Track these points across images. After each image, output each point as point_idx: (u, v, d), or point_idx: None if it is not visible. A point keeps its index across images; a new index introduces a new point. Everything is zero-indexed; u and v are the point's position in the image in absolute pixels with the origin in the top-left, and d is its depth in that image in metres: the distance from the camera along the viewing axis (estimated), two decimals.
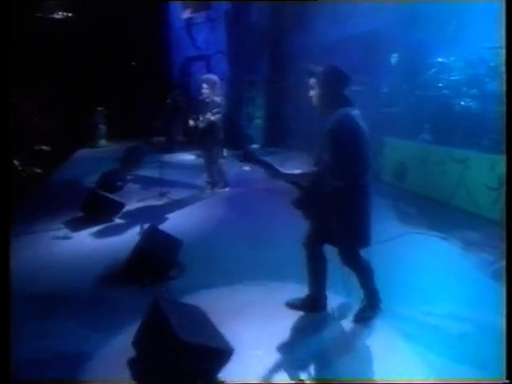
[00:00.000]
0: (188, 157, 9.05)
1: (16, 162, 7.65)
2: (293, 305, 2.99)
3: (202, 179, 6.39)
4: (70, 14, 11.79)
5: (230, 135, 9.30)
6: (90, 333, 2.75)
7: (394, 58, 6.76)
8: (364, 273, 2.79)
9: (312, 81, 2.69)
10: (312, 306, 2.96)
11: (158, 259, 3.35)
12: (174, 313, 2.22)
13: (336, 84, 2.61)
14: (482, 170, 4.93)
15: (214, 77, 5.71)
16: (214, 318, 2.61)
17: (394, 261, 3.74)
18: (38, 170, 8.22)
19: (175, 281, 3.41)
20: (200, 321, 2.36)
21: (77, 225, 4.72)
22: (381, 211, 5.19)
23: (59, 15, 11.77)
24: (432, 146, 5.79)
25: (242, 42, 9.97)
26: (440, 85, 5.74)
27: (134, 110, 10.90)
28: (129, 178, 6.71)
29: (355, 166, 2.53)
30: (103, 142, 10.97)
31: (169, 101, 5.80)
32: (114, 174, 6.25)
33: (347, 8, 7.55)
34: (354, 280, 2.87)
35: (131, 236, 4.31)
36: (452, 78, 5.61)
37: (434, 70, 5.88)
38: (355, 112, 2.59)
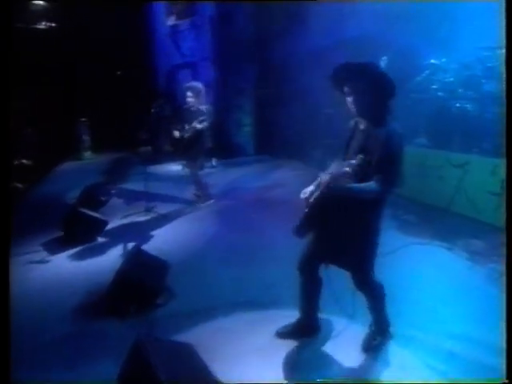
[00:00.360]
0: (175, 167, 8.73)
1: None
2: (285, 334, 2.71)
3: (190, 191, 6.08)
4: (53, 24, 11.45)
5: (218, 144, 9.05)
6: (66, 375, 2.43)
7: (384, 61, 6.57)
8: (376, 296, 2.52)
9: (354, 85, 2.19)
10: (306, 330, 2.72)
11: (143, 285, 3.04)
12: (160, 356, 1.92)
13: (391, 87, 2.19)
14: (482, 175, 4.74)
15: (198, 84, 5.44)
16: (207, 354, 2.32)
17: (397, 276, 3.48)
18: (19, 185, 7.86)
19: (163, 308, 3.11)
20: (190, 363, 2.07)
21: (55, 246, 4.36)
22: None
23: (42, 25, 11.41)
24: (428, 150, 5.60)
25: (229, 48, 9.73)
26: (434, 87, 5.56)
27: (119, 120, 10.57)
28: (113, 192, 6.37)
29: (397, 181, 2.24)
30: (88, 154, 10.58)
31: (153, 110, 5.49)
32: (96, 188, 5.91)
33: (337, 12, 7.37)
34: (358, 301, 2.62)
35: (115, 258, 3.99)
36: (447, 79, 5.43)
37: (427, 72, 5.71)
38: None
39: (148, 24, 11.86)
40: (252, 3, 9.33)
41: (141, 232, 4.72)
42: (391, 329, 2.66)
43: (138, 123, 8.86)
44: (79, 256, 4.17)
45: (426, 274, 3.61)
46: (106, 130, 10.20)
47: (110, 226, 4.86)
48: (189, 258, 4.02)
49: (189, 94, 5.21)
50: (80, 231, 4.49)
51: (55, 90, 10.32)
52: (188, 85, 5.40)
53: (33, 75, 9.83)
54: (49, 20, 11.21)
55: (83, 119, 10.41)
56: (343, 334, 2.76)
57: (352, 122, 2.46)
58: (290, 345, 2.67)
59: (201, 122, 5.11)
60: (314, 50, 7.59)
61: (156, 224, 5.04)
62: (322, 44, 7.61)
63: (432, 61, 5.74)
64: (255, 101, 9.90)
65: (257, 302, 3.19)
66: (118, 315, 2.96)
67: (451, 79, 5.39)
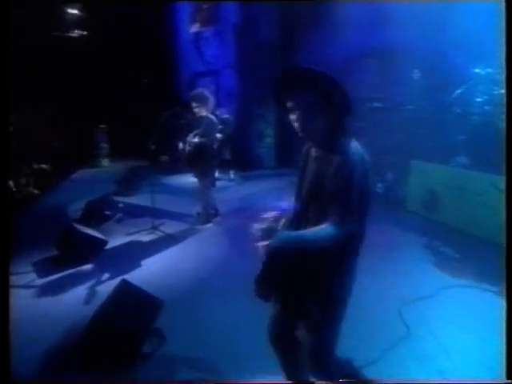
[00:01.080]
0: (193, 179, 8.32)
1: (11, 183, 7.13)
2: None
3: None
4: (75, 31, 11.40)
5: (238, 155, 8.59)
6: None
7: (421, 71, 5.94)
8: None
9: (300, 98, 1.66)
10: None
11: (127, 330, 2.54)
12: None
13: (347, 100, 1.67)
14: None
15: (203, 91, 4.94)
16: None
17: (434, 327, 2.87)
18: (36, 191, 7.68)
19: (151, 358, 2.60)
20: None
21: (46, 268, 3.93)
22: (413, 252, 4.32)
23: (63, 32, 11.37)
24: (470, 172, 4.93)
25: (252, 56, 9.35)
26: (479, 100, 4.90)
27: (138, 127, 10.33)
28: (120, 205, 5.98)
29: (365, 215, 1.67)
30: (105, 161, 10.42)
31: (164, 119, 5.06)
32: (102, 201, 5.54)
33: (367, 17, 6.81)
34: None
35: (109, 285, 3.54)
36: (495, 91, 4.76)
37: (470, 83, 5.05)
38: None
39: (171, 31, 11.67)
40: (277, 11, 8.95)
41: (140, 256, 4.24)
42: None
43: (154, 131, 8.55)
44: (68, 281, 3.71)
45: (471, 326, 2.96)
46: (124, 138, 9.99)
47: (109, 246, 4.44)
48: (187, 293, 3.48)
49: (194, 104, 4.76)
50: (74, 251, 4.08)
51: (74, 96, 10.22)
52: (191, 94, 4.93)
53: (52, 81, 9.74)
54: (70, 27, 11.17)
55: (102, 126, 10.26)
56: None
57: (304, 149, 1.97)
58: None
59: (195, 135, 4.64)
60: (342, 58, 7.04)
61: (159, 246, 4.55)
62: (350, 52, 7.08)
63: (476, 70, 5.07)
64: (278, 111, 9.42)
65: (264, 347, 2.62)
66: (92, 369, 2.46)
67: (500, 91, 4.72)
